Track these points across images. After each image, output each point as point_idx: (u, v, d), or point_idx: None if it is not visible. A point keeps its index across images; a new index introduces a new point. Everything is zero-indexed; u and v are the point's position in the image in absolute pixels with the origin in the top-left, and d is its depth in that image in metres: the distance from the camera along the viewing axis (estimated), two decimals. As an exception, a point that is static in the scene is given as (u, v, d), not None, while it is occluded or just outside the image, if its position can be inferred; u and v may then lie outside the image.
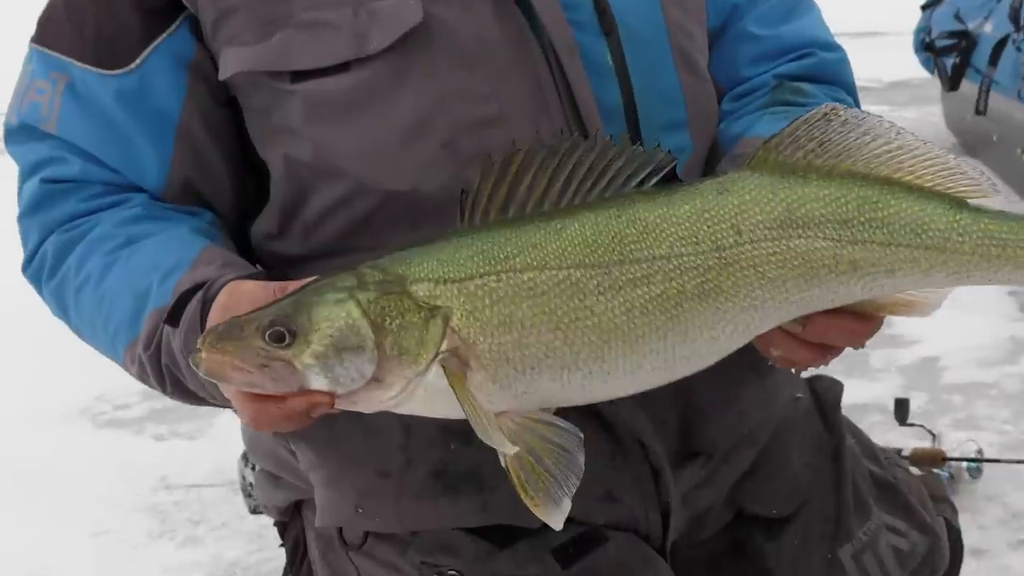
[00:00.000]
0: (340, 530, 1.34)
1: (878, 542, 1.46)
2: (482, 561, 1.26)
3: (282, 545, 1.55)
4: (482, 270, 0.90)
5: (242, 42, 1.14)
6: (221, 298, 1.01)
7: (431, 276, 0.91)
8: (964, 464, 2.06)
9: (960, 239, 0.92)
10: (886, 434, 2.31)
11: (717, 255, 0.91)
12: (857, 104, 1.34)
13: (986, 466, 2.08)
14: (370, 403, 0.92)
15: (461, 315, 0.90)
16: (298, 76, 1.13)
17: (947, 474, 2.06)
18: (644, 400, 1.07)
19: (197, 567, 2.01)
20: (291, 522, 1.50)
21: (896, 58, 6.12)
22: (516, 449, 0.90)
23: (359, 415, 1.18)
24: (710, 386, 1.04)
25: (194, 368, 0.91)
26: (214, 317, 1.00)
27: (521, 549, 1.25)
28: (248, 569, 2.01)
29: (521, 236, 0.91)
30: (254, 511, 1.68)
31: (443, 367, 0.89)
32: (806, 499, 1.44)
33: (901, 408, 2.25)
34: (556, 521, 0.89)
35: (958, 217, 0.92)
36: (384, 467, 1.24)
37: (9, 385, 2.85)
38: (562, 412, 0.95)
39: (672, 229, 0.91)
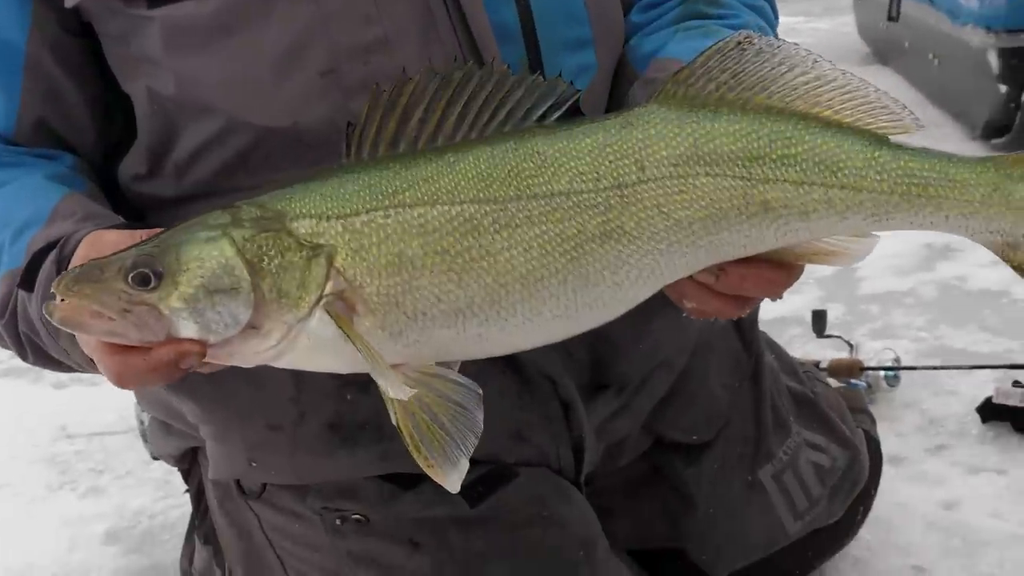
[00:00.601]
0: (237, 481, 1.27)
1: (798, 460, 1.44)
2: (385, 504, 1.20)
3: (187, 491, 1.48)
4: (369, 205, 0.82)
5: None
6: (81, 251, 0.91)
7: (313, 212, 0.83)
8: (882, 373, 2.06)
9: (878, 177, 0.86)
10: (805, 346, 2.30)
11: (619, 193, 0.84)
12: (774, 9, 1.29)
13: (903, 374, 2.08)
14: (246, 354, 0.83)
15: (346, 254, 0.82)
16: (154, 1, 1.01)
17: (865, 383, 2.04)
18: None
19: (100, 518, 1.92)
20: (192, 468, 1.43)
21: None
22: (414, 392, 0.82)
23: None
24: (621, 317, 0.98)
25: (47, 317, 0.81)
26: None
27: (426, 490, 1.19)
28: (155, 517, 1.92)
29: (411, 170, 0.84)
30: (156, 457, 1.59)
31: (328, 312, 0.81)
32: (726, 423, 1.41)
33: (819, 320, 2.24)
34: (453, 483, 0.83)
35: (876, 154, 0.86)
36: (275, 421, 1.17)
37: None
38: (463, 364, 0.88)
39: (572, 164, 0.84)
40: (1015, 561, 1.59)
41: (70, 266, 0.91)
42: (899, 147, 0.88)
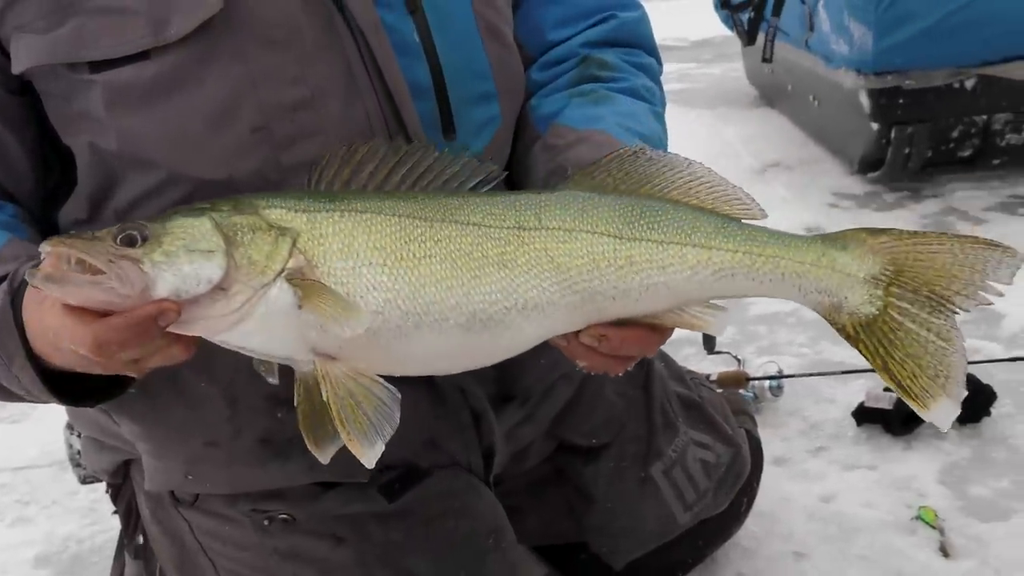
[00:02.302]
0: (171, 491, 1.36)
1: (686, 457, 1.59)
2: (310, 503, 1.31)
3: (115, 512, 1.56)
4: (328, 207, 1.01)
5: (33, 30, 1.10)
6: (31, 292, 1.00)
7: (283, 206, 1.00)
8: (766, 383, 2.23)
9: (726, 240, 1.05)
10: (699, 363, 2.46)
11: (517, 232, 1.04)
12: (658, 61, 1.46)
13: (787, 384, 2.25)
14: (210, 318, 0.96)
15: (308, 238, 0.99)
16: (97, 66, 1.10)
17: (752, 394, 2.21)
18: None
19: (29, 545, 1.98)
20: (123, 485, 1.51)
21: (700, 18, 6.37)
22: (370, 312, 0.98)
23: (183, 389, 1.21)
24: None
25: (30, 280, 0.90)
26: (29, 304, 1.00)
27: (347, 488, 1.31)
28: (83, 542, 1.99)
29: (362, 193, 1.03)
30: (84, 480, 1.67)
31: (288, 281, 0.97)
32: (621, 426, 1.55)
33: (709, 340, 2.40)
34: (369, 460, 0.98)
35: (726, 225, 1.06)
36: (212, 438, 1.27)
37: None
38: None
39: (487, 207, 1.05)
40: (884, 544, 1.76)
41: (25, 300, 1.00)
42: (747, 224, 1.07)
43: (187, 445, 1.29)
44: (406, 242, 0.99)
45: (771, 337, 2.64)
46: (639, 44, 1.41)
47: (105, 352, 0.91)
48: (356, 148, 1.02)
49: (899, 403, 2.07)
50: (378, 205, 1.00)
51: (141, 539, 1.53)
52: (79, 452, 1.66)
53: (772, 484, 1.91)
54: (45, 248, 0.90)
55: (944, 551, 1.73)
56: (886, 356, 1.01)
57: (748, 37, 4.23)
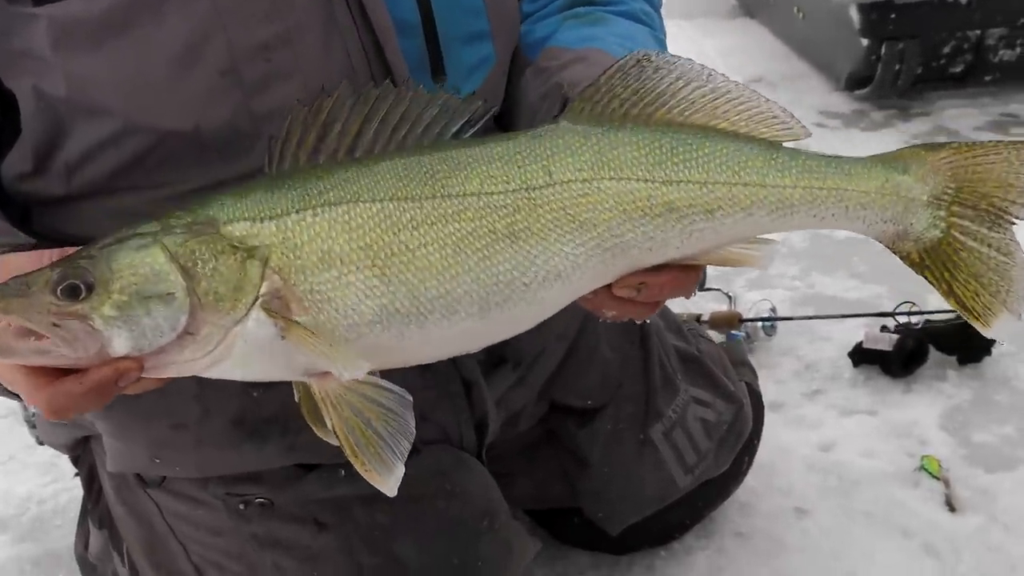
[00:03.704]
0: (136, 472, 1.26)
1: (686, 417, 1.50)
2: (289, 487, 1.21)
3: (77, 475, 1.45)
4: (298, 206, 0.84)
5: None
6: None
7: (245, 215, 0.83)
8: (760, 324, 2.14)
9: (780, 174, 0.91)
10: (687, 300, 2.37)
11: (527, 195, 0.87)
12: None
13: (779, 322, 2.17)
14: (182, 363, 0.82)
15: (280, 253, 0.83)
16: None
17: (744, 334, 2.12)
18: None
19: (-14, 506, 1.87)
20: (83, 454, 1.41)
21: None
22: (369, 366, 0.85)
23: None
24: None
25: None
26: None
27: (329, 470, 1.20)
28: (44, 502, 1.88)
29: (334, 173, 0.86)
30: (40, 442, 1.55)
31: (264, 311, 0.82)
32: (618, 385, 1.45)
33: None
34: (390, 487, 0.86)
35: (775, 155, 0.91)
36: (179, 420, 1.15)
37: None
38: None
39: (483, 168, 0.87)
40: (888, 498, 1.69)
41: None
42: (794, 150, 0.94)
43: (151, 427, 1.18)
44: (395, 232, 0.85)
45: (761, 270, 2.54)
46: None
47: (61, 415, 0.81)
48: (319, 106, 0.86)
49: (899, 344, 1.99)
50: (354, 191, 0.85)
51: (106, 508, 1.43)
52: (34, 414, 1.55)
53: (769, 432, 1.82)
54: None
55: (950, 505, 1.66)
56: (951, 280, 0.94)
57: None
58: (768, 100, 0.94)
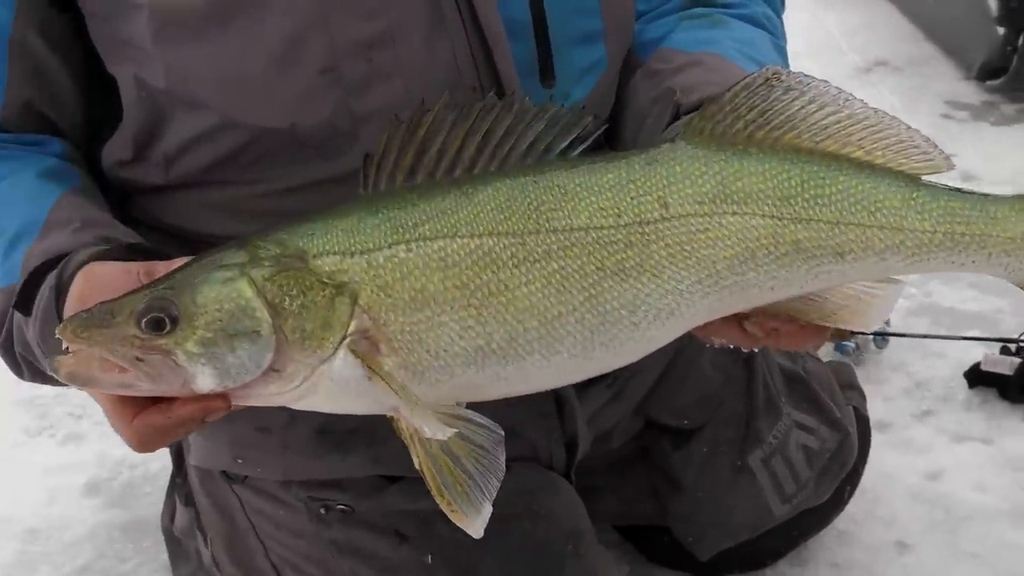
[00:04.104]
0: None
1: (788, 443, 1.43)
2: (372, 496, 1.18)
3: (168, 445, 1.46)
4: (390, 240, 0.79)
5: None
6: (77, 286, 0.86)
7: (335, 249, 0.79)
8: (870, 336, 2.04)
9: (919, 217, 0.84)
10: (794, 301, 2.27)
11: (640, 229, 0.82)
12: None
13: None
14: (267, 397, 0.80)
15: (370, 291, 0.79)
16: None
17: (854, 344, 2.03)
18: None
19: (80, 468, 1.90)
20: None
21: None
22: (452, 431, 0.80)
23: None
24: None
25: (53, 373, 0.76)
26: (70, 310, 0.85)
27: (414, 482, 1.16)
28: (135, 467, 1.90)
29: (430, 202, 0.80)
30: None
31: (352, 351, 0.78)
32: (717, 406, 1.39)
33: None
34: (476, 529, 0.81)
35: (915, 194, 0.84)
36: (263, 423, 1.14)
37: None
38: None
39: (593, 198, 0.81)
40: (997, 538, 1.60)
41: (68, 299, 0.86)
42: (934, 186, 0.86)
43: (236, 427, 1.17)
44: (494, 270, 0.80)
45: (875, 273, 2.43)
46: None
47: (148, 448, 0.80)
48: (417, 122, 0.81)
49: (1021, 368, 1.88)
50: (452, 224, 0.80)
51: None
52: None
53: (874, 454, 1.73)
54: (62, 335, 0.76)
55: (1067, 553, 1.56)
56: None
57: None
58: (909, 128, 0.87)
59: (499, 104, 0.82)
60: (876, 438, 1.81)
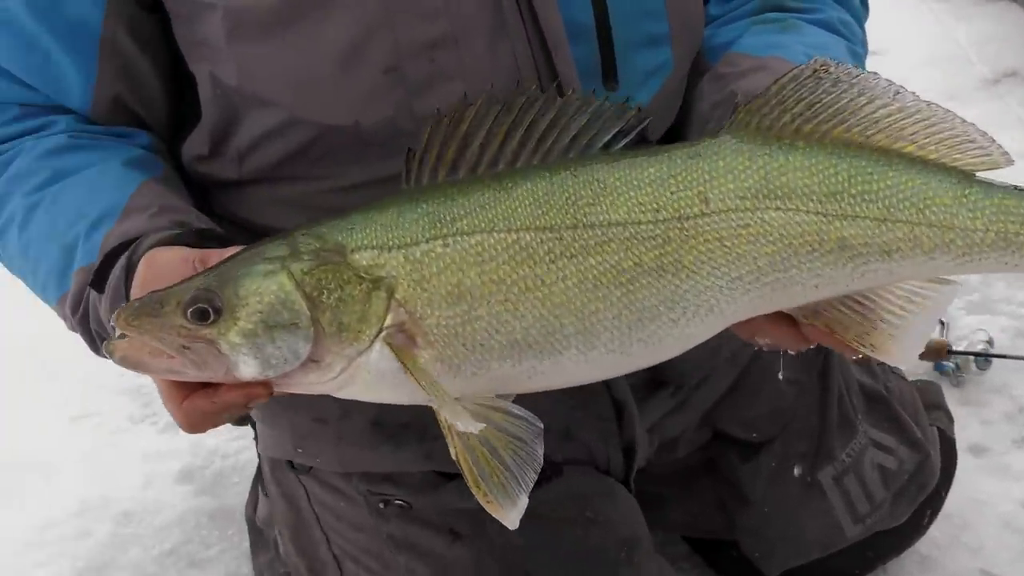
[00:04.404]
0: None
1: (862, 462, 1.39)
2: (428, 492, 1.20)
3: (255, 437, 1.51)
4: (428, 234, 0.81)
5: None
6: (140, 271, 0.91)
7: (373, 243, 0.81)
8: (971, 356, 1.96)
9: (971, 215, 0.81)
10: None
11: (679, 225, 0.81)
12: (866, 8, 1.22)
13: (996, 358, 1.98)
14: (306, 386, 0.83)
15: (407, 285, 0.81)
16: None
17: (954, 365, 1.95)
18: None
19: (176, 455, 1.97)
20: (258, 419, 1.45)
21: None
22: (482, 426, 0.81)
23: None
24: None
25: (107, 355, 0.81)
26: (134, 293, 0.90)
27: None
28: (227, 458, 1.97)
29: (469, 196, 0.82)
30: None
31: (388, 344, 0.80)
32: (789, 420, 1.36)
33: (910, 294, 2.13)
34: (512, 520, 0.82)
35: (967, 191, 0.81)
36: (320, 415, 1.17)
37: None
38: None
39: (632, 193, 0.81)
40: (1092, 573, 1.52)
41: (133, 283, 0.91)
42: (989, 183, 0.83)
43: (296, 417, 1.21)
44: (531, 265, 0.80)
45: (984, 291, 2.32)
46: None
47: (196, 430, 0.85)
48: (460, 116, 0.82)
49: None
50: (489, 218, 0.81)
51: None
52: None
53: (965, 477, 1.67)
54: (116, 323, 0.80)
55: None
56: None
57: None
58: (965, 122, 0.84)
59: (542, 98, 0.83)
60: (971, 462, 1.74)
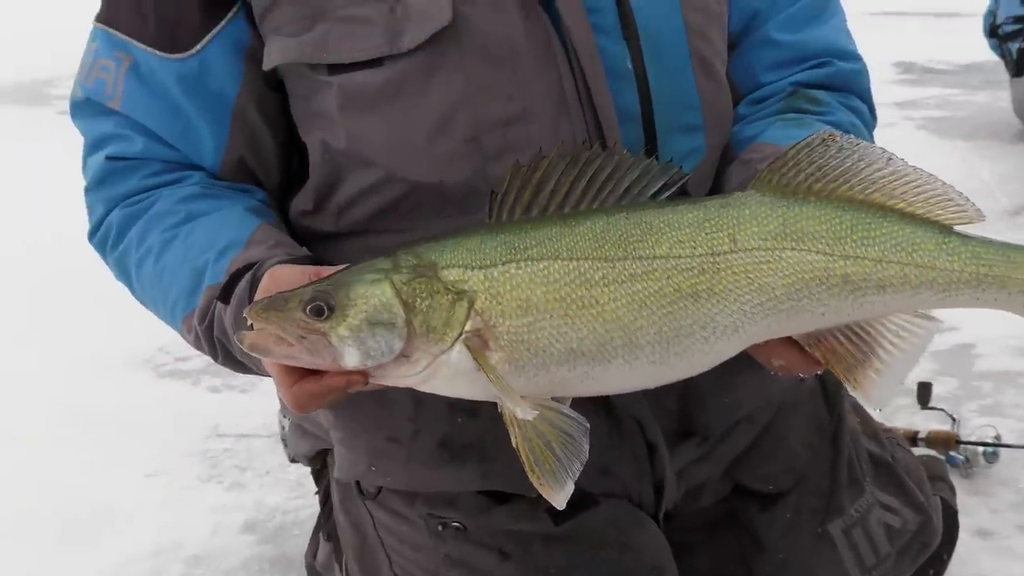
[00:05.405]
0: (357, 482, 1.45)
1: (869, 518, 1.53)
2: (481, 515, 1.36)
3: (317, 492, 1.68)
4: (504, 258, 0.99)
5: (285, 33, 1.22)
6: (263, 281, 1.10)
7: (460, 263, 1.00)
8: (980, 448, 2.10)
9: (950, 258, 1.00)
10: (911, 417, 2.35)
11: (712, 259, 1.00)
12: (872, 112, 1.43)
13: (1004, 451, 2.12)
14: (398, 378, 1.00)
15: (485, 299, 0.99)
16: (335, 68, 1.21)
17: (963, 457, 2.10)
18: None
19: (241, 509, 2.15)
20: (322, 470, 1.62)
21: (972, 41, 6.00)
22: (536, 413, 0.98)
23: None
24: (708, 373, 1.12)
25: (238, 343, 1.00)
26: (258, 298, 1.08)
27: (517, 505, 1.35)
28: (288, 514, 2.14)
29: (539, 230, 1.01)
30: (292, 460, 1.79)
31: (466, 345, 0.98)
32: (802, 476, 1.51)
33: (923, 392, 2.30)
34: (559, 501, 0.99)
35: (947, 240, 1.01)
36: (394, 434, 1.34)
37: (80, 335, 3.04)
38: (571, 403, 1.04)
39: (673, 233, 1.00)
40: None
41: (257, 293, 1.09)
42: (965, 235, 1.02)
43: (372, 437, 1.36)
44: (588, 288, 0.98)
45: (996, 396, 2.49)
46: (855, 92, 1.38)
47: (302, 409, 1.01)
48: (536, 165, 1.01)
49: None
50: (555, 248, 0.99)
51: (333, 523, 1.64)
52: (288, 433, 1.79)
53: (971, 556, 1.82)
54: (247, 314, 0.98)
55: None
56: None
57: (1016, 67, 3.99)
58: (945, 184, 1.03)
59: (603, 154, 1.02)
60: (977, 543, 1.88)
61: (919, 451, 1.92)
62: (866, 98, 1.38)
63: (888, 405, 1.04)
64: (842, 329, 1.03)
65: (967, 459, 2.11)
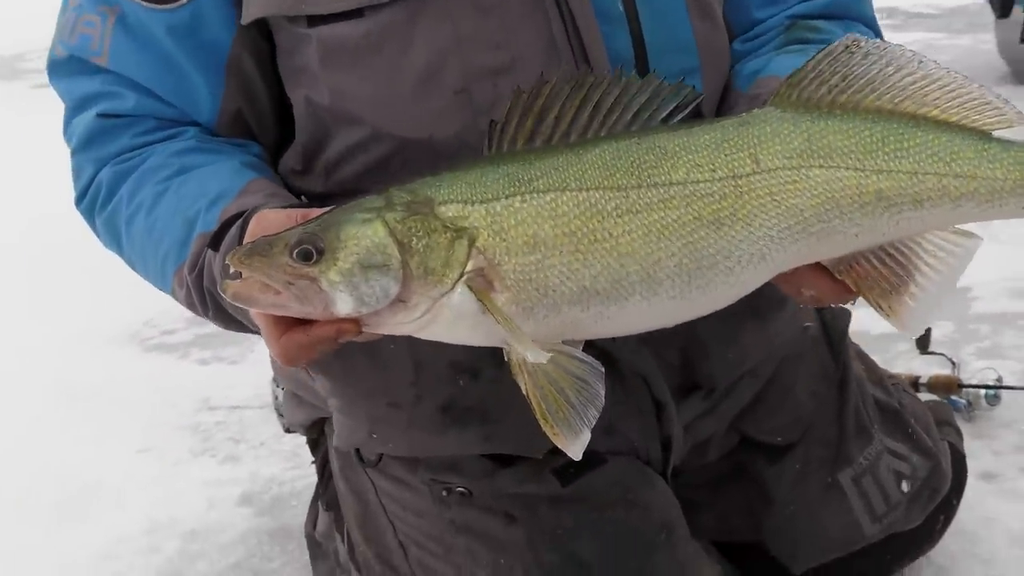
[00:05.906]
0: (357, 450, 1.42)
1: (878, 466, 1.51)
2: (486, 478, 1.34)
3: (313, 462, 1.64)
4: (507, 192, 0.92)
5: None
6: (251, 226, 1.05)
7: (458, 198, 0.93)
8: (982, 391, 2.08)
9: (991, 166, 0.93)
10: (910, 362, 2.33)
11: (733, 182, 0.92)
12: (877, 32, 1.35)
13: (1005, 393, 2.10)
14: (394, 325, 0.93)
15: (487, 235, 0.92)
16: (314, 20, 1.16)
17: (965, 401, 2.08)
18: (647, 337, 1.10)
19: (236, 483, 2.11)
20: (319, 439, 1.59)
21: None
22: (548, 355, 0.91)
23: (373, 350, 1.25)
24: (711, 325, 1.09)
25: (222, 294, 0.94)
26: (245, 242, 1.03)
27: (522, 468, 1.32)
28: (284, 485, 2.11)
29: (544, 160, 0.93)
30: (287, 430, 1.76)
31: (469, 287, 0.91)
32: (809, 426, 1.49)
33: (922, 337, 2.27)
34: (575, 451, 0.92)
35: (987, 146, 0.93)
36: (395, 399, 1.31)
37: (65, 310, 2.98)
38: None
39: (690, 156, 0.93)
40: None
41: (245, 238, 1.03)
42: (1006, 140, 0.95)
43: (372, 404, 1.33)
44: (600, 220, 0.90)
45: (994, 338, 2.46)
46: (856, 18, 1.33)
47: (291, 362, 0.95)
48: (538, 91, 0.94)
49: None
50: (562, 179, 0.91)
51: (333, 492, 1.61)
52: (282, 403, 1.76)
53: (977, 500, 1.79)
54: (230, 261, 0.92)
55: None
56: None
57: (1002, 8, 3.94)
58: (981, 86, 0.95)
59: (608, 78, 0.96)
60: (982, 487, 1.86)
61: (922, 396, 1.89)
62: (870, 22, 1.33)
63: (920, 332, 0.96)
64: (875, 251, 0.96)
65: (969, 403, 2.09)
